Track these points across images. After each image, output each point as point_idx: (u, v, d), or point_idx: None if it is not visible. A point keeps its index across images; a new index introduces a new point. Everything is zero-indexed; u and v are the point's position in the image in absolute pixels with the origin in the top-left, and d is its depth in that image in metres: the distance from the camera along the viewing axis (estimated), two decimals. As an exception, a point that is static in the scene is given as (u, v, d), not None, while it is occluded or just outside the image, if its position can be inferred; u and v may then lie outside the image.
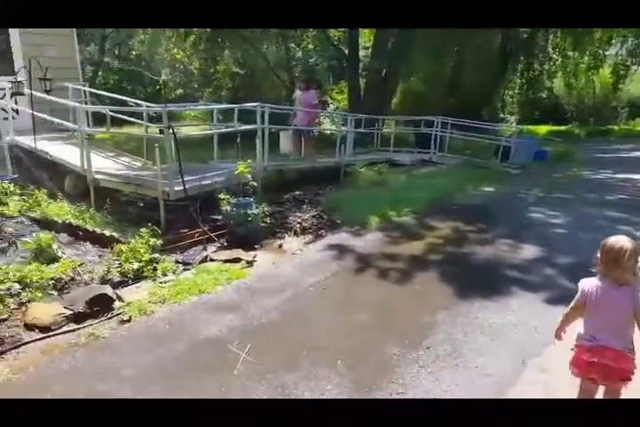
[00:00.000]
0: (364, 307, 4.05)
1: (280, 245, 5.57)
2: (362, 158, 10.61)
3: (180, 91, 19.24)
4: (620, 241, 2.33)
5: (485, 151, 12.70)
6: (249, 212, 5.53)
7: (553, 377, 3.00)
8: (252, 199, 5.78)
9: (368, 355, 3.32)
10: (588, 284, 2.46)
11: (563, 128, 21.67)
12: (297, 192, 7.42)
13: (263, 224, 5.70)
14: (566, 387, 2.69)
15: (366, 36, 17.40)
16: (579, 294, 2.49)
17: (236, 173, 5.98)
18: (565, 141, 16.81)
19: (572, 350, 2.51)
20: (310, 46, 17.56)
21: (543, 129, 20.98)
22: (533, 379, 3.05)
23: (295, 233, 5.95)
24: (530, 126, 20.17)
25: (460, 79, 17.51)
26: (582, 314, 2.50)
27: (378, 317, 3.87)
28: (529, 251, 5.49)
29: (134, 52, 19.31)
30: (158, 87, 18.18)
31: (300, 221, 6.23)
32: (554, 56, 19.57)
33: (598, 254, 2.41)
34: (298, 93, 9.91)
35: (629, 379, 2.39)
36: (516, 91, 22.06)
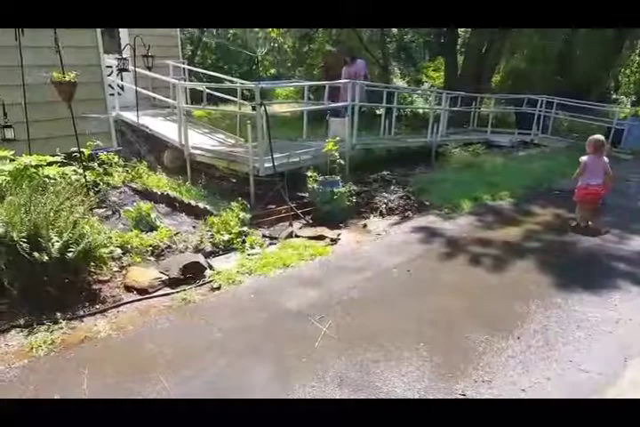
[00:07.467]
0: (450, 291, 3.90)
1: (365, 225, 5.51)
2: (456, 139, 10.11)
3: (273, 70, 19.47)
4: (601, 136, 5.44)
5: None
6: (335, 190, 5.51)
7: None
8: (338, 178, 5.75)
9: (453, 340, 3.19)
10: (586, 158, 5.26)
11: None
12: (385, 172, 7.27)
13: (349, 203, 5.66)
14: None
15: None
16: (582, 163, 5.26)
17: (324, 150, 5.97)
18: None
19: (575, 191, 5.41)
20: (407, 22, 16.91)
21: (664, 111, 18.78)
22: (638, 380, 2.77)
23: (381, 213, 5.86)
24: (648, 108, 18.15)
25: (570, 56, 16.03)
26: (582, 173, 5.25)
27: (465, 302, 3.71)
28: (638, 242, 4.98)
29: (231, 31, 19.72)
30: (254, 66, 18.54)
31: (386, 201, 6.11)
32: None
33: (589, 146, 5.32)
34: (344, 70, 9.05)
35: (601, 197, 5.39)
36: (634, 69, 19.82)
